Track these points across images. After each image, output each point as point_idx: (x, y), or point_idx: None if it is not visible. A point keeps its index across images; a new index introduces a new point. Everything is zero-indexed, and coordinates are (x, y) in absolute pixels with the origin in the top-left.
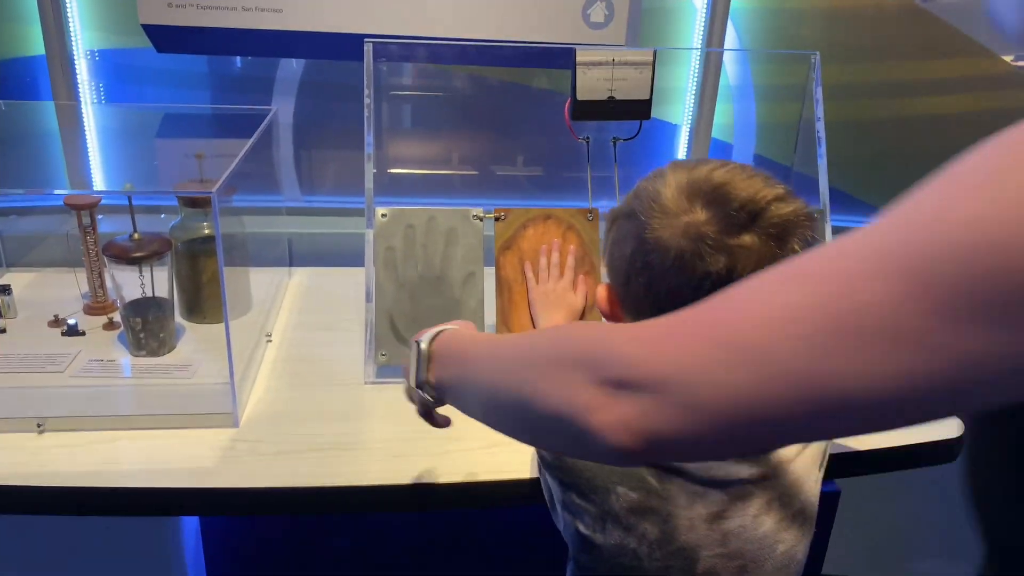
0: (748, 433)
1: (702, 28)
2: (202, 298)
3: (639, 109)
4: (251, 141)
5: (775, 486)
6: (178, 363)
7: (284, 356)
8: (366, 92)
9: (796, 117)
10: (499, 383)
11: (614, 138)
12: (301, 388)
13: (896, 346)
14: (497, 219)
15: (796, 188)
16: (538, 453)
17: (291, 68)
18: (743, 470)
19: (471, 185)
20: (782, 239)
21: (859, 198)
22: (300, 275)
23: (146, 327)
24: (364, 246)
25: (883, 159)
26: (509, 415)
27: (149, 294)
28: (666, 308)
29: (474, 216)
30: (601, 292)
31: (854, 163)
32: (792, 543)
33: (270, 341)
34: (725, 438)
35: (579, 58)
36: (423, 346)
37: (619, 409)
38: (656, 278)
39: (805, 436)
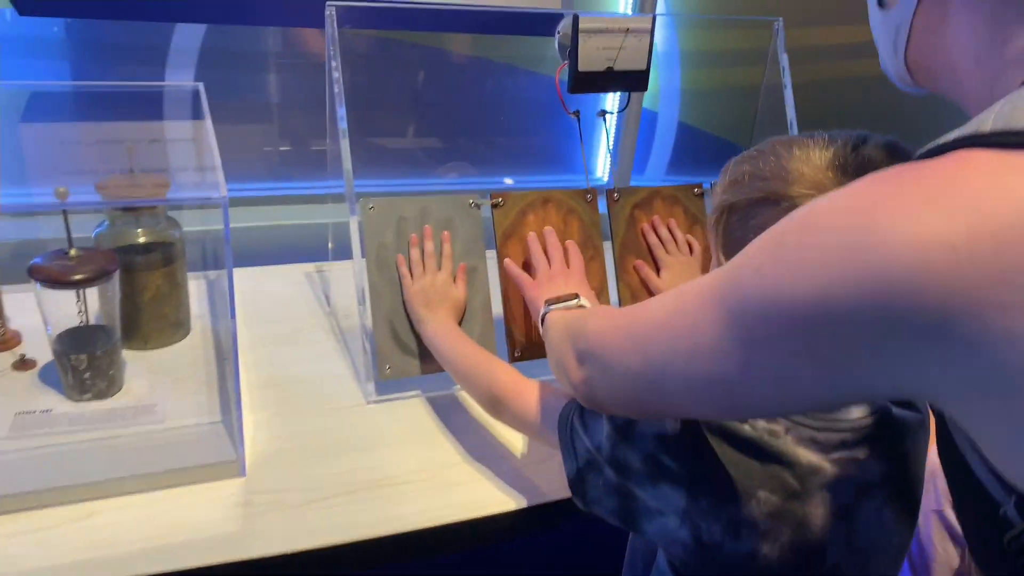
0: (638, 396)
1: None
2: (142, 320)
3: (637, 80)
4: (205, 123)
5: (897, 481)
6: (136, 404)
7: (255, 381)
8: (333, 65)
9: (720, 83)
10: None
11: (602, 111)
12: (294, 418)
13: (713, 355)
14: (495, 206)
15: None
16: (638, 462)
17: (188, 35)
18: (872, 466)
19: (425, 162)
20: None
21: None
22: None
23: (92, 364)
24: (311, 240)
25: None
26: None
27: (84, 321)
28: None
29: (471, 203)
30: None
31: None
32: (905, 536)
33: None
34: (630, 397)
35: (582, 25)
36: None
37: (580, 373)
38: None
39: (673, 406)
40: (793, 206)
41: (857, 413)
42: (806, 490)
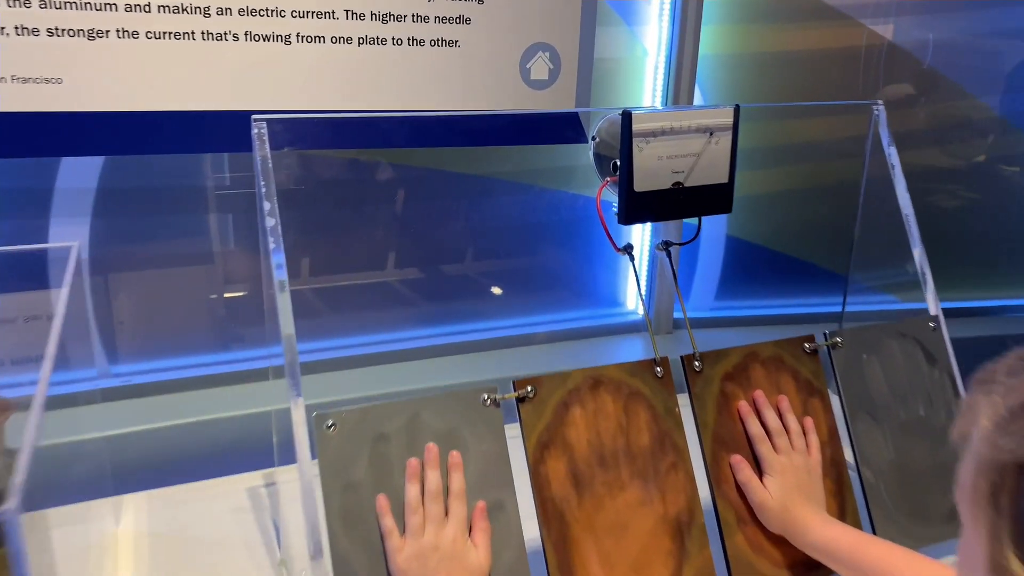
0: None
1: (663, 80)
2: None
3: (716, 200)
4: (61, 304)
5: None
6: None
7: None
8: (265, 201)
9: (776, 185)
10: None
11: (664, 242)
12: None
13: None
14: (521, 400)
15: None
16: None
17: (79, 172)
18: None
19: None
20: None
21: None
22: (133, 511)
23: None
24: (246, 438)
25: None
26: None
27: None
28: None
29: (487, 399)
30: None
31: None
32: None
33: None
34: None
35: (637, 125)
36: None
37: None
38: None
39: None
40: None
41: None
42: None
